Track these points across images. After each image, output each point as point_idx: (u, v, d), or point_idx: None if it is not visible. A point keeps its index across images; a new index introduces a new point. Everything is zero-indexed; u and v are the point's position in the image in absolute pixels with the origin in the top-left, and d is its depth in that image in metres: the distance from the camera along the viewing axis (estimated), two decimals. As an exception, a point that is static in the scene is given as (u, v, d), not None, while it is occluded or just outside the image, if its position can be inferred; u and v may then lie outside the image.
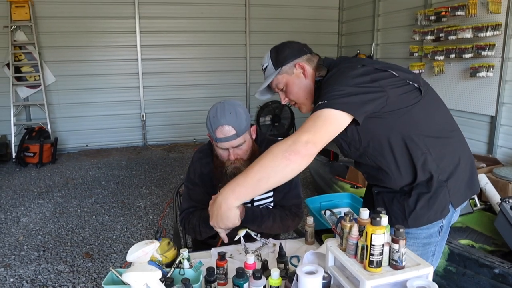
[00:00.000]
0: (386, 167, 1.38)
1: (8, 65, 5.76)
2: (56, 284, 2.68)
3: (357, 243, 1.01)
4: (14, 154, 5.64)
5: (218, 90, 6.86)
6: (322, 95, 1.24)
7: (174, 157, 6.02)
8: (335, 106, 1.18)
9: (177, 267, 1.20)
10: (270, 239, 1.57)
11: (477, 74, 4.20)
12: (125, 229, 3.53)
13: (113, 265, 2.92)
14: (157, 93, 6.61)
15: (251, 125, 1.72)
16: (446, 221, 1.42)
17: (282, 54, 1.46)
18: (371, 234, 0.95)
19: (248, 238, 1.52)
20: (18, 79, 5.91)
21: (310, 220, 1.53)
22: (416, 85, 1.32)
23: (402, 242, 0.96)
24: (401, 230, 0.97)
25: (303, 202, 1.79)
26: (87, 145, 6.44)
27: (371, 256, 0.96)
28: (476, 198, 3.11)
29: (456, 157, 1.39)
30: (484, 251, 2.78)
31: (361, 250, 1.00)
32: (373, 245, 0.95)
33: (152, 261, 1.17)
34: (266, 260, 1.29)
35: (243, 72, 6.96)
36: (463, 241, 2.77)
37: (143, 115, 6.60)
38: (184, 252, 1.22)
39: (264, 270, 1.27)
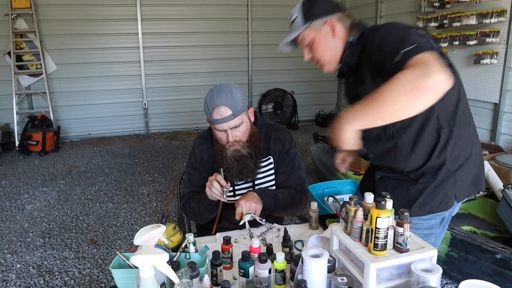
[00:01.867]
0: (402, 145, 1.35)
1: (9, 53, 5.74)
2: (62, 270, 2.72)
3: (362, 226, 1.02)
4: (17, 143, 5.65)
5: (220, 78, 6.83)
6: (394, 46, 1.16)
7: (176, 145, 6.04)
8: (429, 49, 1.12)
9: (183, 251, 1.21)
10: (275, 224, 1.59)
11: (481, 61, 4.17)
12: (129, 216, 3.56)
13: (118, 251, 2.95)
14: (159, 81, 6.60)
15: (249, 107, 1.72)
16: (448, 213, 1.42)
17: (314, 8, 1.38)
18: (376, 218, 0.96)
19: (252, 224, 1.53)
20: (20, 67, 5.90)
21: (314, 205, 1.54)
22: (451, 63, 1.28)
23: (406, 226, 0.97)
24: (405, 213, 0.97)
25: (307, 181, 1.81)
26: (89, 134, 6.45)
27: (376, 239, 0.97)
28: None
29: (469, 148, 1.39)
30: (486, 237, 2.80)
31: (366, 233, 1.01)
32: (378, 229, 0.96)
33: (159, 245, 1.19)
34: (271, 245, 1.30)
35: (245, 60, 6.93)
36: (465, 227, 2.79)
37: (145, 103, 6.59)
38: (190, 237, 1.23)
39: (269, 254, 1.28)
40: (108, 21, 6.15)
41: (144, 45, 6.36)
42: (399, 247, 0.99)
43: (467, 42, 4.22)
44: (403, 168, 1.40)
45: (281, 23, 6.93)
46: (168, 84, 6.67)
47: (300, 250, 1.36)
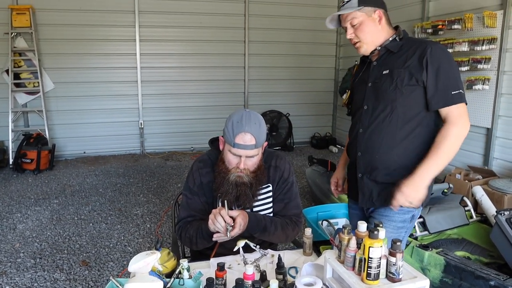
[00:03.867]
0: (393, 137, 1.67)
1: (7, 71, 5.78)
2: (53, 292, 2.68)
3: (355, 255, 1.03)
4: (11, 160, 5.63)
5: (217, 99, 6.90)
6: (449, 79, 1.58)
7: (171, 165, 6.03)
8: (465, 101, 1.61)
9: (177, 277, 1.21)
10: (268, 250, 1.59)
11: (473, 87, 4.25)
12: (122, 237, 3.53)
13: (111, 274, 2.92)
14: (155, 101, 6.64)
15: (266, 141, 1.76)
16: (417, 212, 1.75)
17: None
18: (369, 247, 0.97)
19: (246, 249, 1.53)
20: (17, 85, 5.92)
21: (308, 231, 1.54)
22: None
23: (399, 255, 0.98)
24: (398, 243, 0.98)
25: (302, 212, 1.81)
26: (84, 152, 6.44)
27: (368, 269, 0.97)
28: (472, 210, 3.14)
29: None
30: (480, 263, 2.80)
31: (359, 262, 1.02)
32: (371, 258, 0.97)
33: (153, 271, 1.18)
34: (265, 271, 1.30)
35: (241, 82, 7.00)
36: (459, 253, 2.79)
37: (141, 123, 6.61)
38: (184, 263, 1.23)
39: (262, 281, 1.28)
40: (106, 41, 6.22)
41: (141, 65, 6.43)
42: (391, 277, 1.00)
43: (460, 68, 4.31)
44: (385, 160, 1.69)
45: (278, 45, 7.09)
46: (164, 104, 6.71)
47: (294, 277, 1.36)
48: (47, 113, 6.03)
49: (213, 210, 1.53)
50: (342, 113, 7.22)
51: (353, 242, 1.04)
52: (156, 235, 3.58)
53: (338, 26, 1.78)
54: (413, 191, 1.52)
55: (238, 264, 1.49)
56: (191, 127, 6.88)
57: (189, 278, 1.22)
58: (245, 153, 1.61)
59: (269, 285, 1.18)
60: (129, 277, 1.13)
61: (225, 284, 1.26)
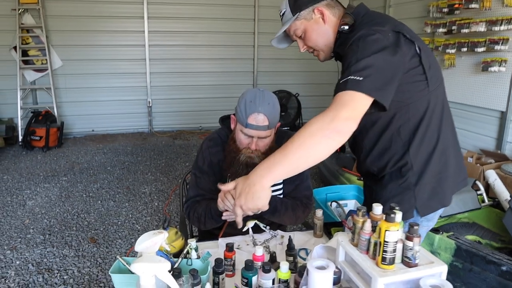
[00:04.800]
0: (366, 142, 1.43)
1: (15, 48, 5.74)
2: (62, 268, 2.70)
3: (369, 239, 1.00)
4: (20, 138, 5.65)
5: (225, 78, 6.82)
6: (349, 65, 1.20)
7: (179, 144, 6.02)
8: (367, 92, 1.15)
9: (185, 257, 1.19)
10: (278, 230, 1.56)
11: (489, 69, 4.12)
12: (130, 215, 3.54)
13: (118, 251, 2.93)
14: (163, 79, 6.59)
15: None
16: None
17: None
18: (385, 231, 0.93)
19: (255, 230, 1.50)
20: (25, 62, 5.89)
21: (319, 213, 1.51)
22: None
23: (416, 240, 0.94)
24: (415, 227, 0.94)
25: (312, 194, 1.78)
26: (93, 130, 6.44)
27: (384, 253, 0.94)
28: (484, 194, 3.08)
29: (435, 164, 1.40)
30: (491, 248, 2.76)
31: (374, 246, 0.98)
32: (387, 242, 0.93)
33: (160, 251, 1.16)
34: (275, 252, 1.28)
35: (250, 61, 6.91)
36: (470, 237, 2.75)
37: (149, 101, 6.58)
38: (192, 242, 1.21)
39: (272, 262, 1.25)
40: (114, 19, 6.14)
41: (150, 43, 6.35)
42: (407, 261, 0.96)
43: (476, 49, 4.18)
44: (366, 167, 1.46)
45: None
46: (172, 82, 6.65)
47: (304, 259, 1.34)
48: (56, 91, 6.01)
49: (223, 189, 1.48)
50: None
51: (368, 225, 1.00)
52: (164, 214, 3.59)
53: (290, 43, 1.56)
54: (244, 186, 1.18)
55: (247, 244, 1.47)
56: (200, 106, 6.84)
57: (197, 258, 1.20)
58: (258, 133, 1.57)
59: (279, 267, 1.15)
60: (136, 256, 1.11)
61: (233, 265, 1.24)
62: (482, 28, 4.13)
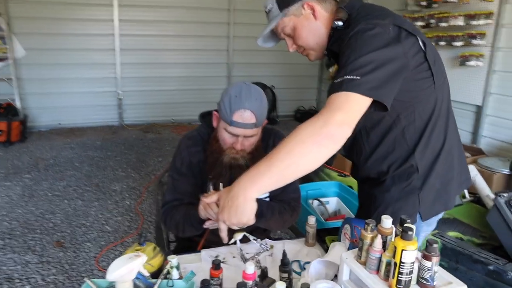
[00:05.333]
0: (366, 145, 1.32)
1: (-28, 35, 5.33)
2: (23, 277, 2.48)
3: (380, 257, 0.87)
4: (-21, 132, 5.27)
5: (199, 69, 6.61)
6: (345, 64, 1.07)
7: (151, 138, 5.79)
8: (364, 92, 1.03)
9: (165, 277, 1.03)
10: (266, 240, 1.42)
11: (467, 63, 4.12)
12: (100, 215, 3.33)
13: (87, 255, 2.73)
14: (134, 70, 6.30)
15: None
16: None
17: None
18: (402, 250, 0.81)
19: (242, 238, 1.36)
20: (-16, 51, 5.48)
21: (312, 220, 1.38)
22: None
23: (435, 259, 0.83)
24: (434, 245, 0.83)
25: (300, 197, 1.65)
26: (59, 123, 6.10)
27: (399, 275, 0.82)
28: (465, 190, 3.06)
29: (441, 168, 1.31)
30: (473, 244, 2.73)
31: (386, 266, 0.86)
32: (403, 263, 0.81)
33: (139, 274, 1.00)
34: (266, 268, 1.14)
35: (225, 52, 6.71)
36: (452, 233, 2.72)
37: (119, 93, 6.29)
38: (173, 260, 1.05)
39: (263, 278, 1.12)
40: (82, 6, 5.78)
41: (120, 32, 6.04)
42: (424, 284, 0.85)
43: (453, 43, 4.17)
44: (364, 171, 1.36)
45: (264, 14, 6.71)
46: (144, 74, 6.38)
47: (297, 273, 1.21)
48: (18, 82, 5.63)
49: (205, 201, 1.33)
50: (327, 87, 7.03)
51: (378, 242, 0.88)
52: (136, 212, 3.39)
53: (277, 41, 1.43)
54: (227, 199, 1.07)
55: (234, 257, 1.32)
56: (172, 98, 6.61)
57: (179, 279, 1.05)
58: (243, 132, 1.42)
59: (271, 283, 1.02)
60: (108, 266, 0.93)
61: (221, 284, 1.10)
62: (460, 22, 4.11)
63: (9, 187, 3.82)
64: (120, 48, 6.10)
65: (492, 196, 2.84)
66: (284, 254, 1.11)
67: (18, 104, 5.55)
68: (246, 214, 1.05)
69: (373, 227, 0.92)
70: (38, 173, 4.22)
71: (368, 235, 0.91)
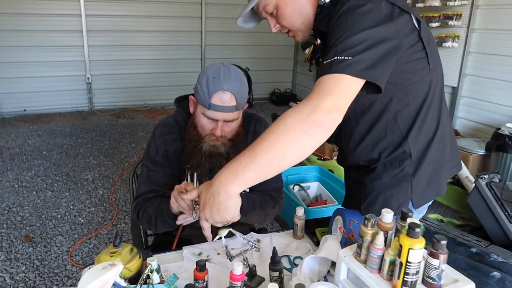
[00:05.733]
0: (355, 132, 1.24)
1: None
2: (-10, 275, 2.33)
3: (382, 255, 0.81)
4: None
5: (171, 52, 6.40)
6: (335, 43, 0.98)
7: (123, 123, 5.58)
8: (356, 74, 0.94)
9: (145, 282, 0.94)
10: (252, 233, 1.34)
11: (443, 44, 4.12)
12: (71, 206, 3.17)
13: (59, 249, 2.59)
14: (103, 53, 6.02)
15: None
16: None
17: None
18: (408, 249, 0.74)
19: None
20: None
21: (300, 211, 1.30)
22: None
23: (442, 257, 0.77)
24: (442, 242, 0.76)
25: (282, 187, 1.56)
26: (25, 110, 5.79)
27: (405, 276, 0.75)
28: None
29: (433, 152, 1.25)
30: (453, 226, 2.75)
31: (389, 265, 0.79)
32: (410, 263, 0.74)
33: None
34: (254, 266, 1.06)
35: (198, 33, 6.51)
36: (432, 215, 2.73)
37: (88, 77, 6.01)
38: (153, 263, 0.95)
39: (252, 278, 1.04)
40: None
41: (86, 12, 5.73)
42: (430, 283, 0.79)
43: (430, 24, 4.14)
44: (353, 158, 1.29)
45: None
46: (114, 57, 6.11)
47: (288, 269, 1.14)
48: (-22, 66, 5.30)
49: (176, 186, 1.23)
50: (303, 69, 6.98)
51: (381, 239, 0.81)
52: (110, 202, 3.25)
53: (258, 22, 1.33)
54: (208, 196, 0.98)
55: (218, 254, 1.23)
56: (144, 82, 6.39)
57: (160, 283, 0.95)
58: (223, 116, 1.32)
59: (260, 282, 0.95)
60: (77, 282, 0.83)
61: (206, 286, 1.01)
62: (436, 2, 4.09)
63: (-29, 179, 3.60)
64: (87, 30, 5.80)
65: (472, 178, 2.86)
66: (275, 252, 1.03)
67: (-22, 89, 5.23)
68: (230, 211, 0.97)
69: (373, 223, 0.84)
70: (2, 163, 3.99)
71: (369, 232, 0.83)
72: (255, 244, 1.24)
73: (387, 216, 0.83)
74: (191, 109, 1.45)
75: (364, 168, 1.27)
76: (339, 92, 0.93)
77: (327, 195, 2.74)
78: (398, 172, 1.20)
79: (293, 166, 2.41)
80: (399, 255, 0.76)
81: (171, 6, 6.15)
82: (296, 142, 0.90)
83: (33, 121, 5.50)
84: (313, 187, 2.89)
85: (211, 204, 0.97)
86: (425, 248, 0.79)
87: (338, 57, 0.95)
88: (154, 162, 1.46)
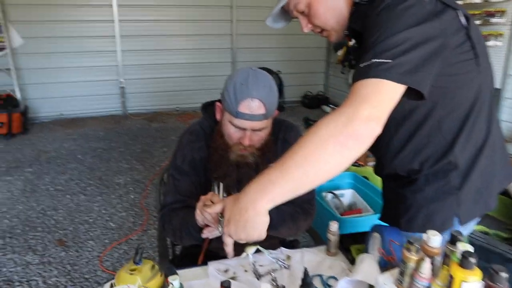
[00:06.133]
0: (395, 140, 1.13)
1: (-32, 24, 5.16)
2: (24, 279, 2.35)
3: (429, 286, 0.71)
4: (-20, 124, 5.14)
5: (202, 55, 6.42)
6: (373, 44, 0.89)
7: (156, 127, 5.63)
8: (397, 79, 0.85)
9: (167, 304, 0.89)
10: (281, 248, 1.26)
11: (486, 43, 3.89)
12: (103, 211, 3.19)
13: (90, 254, 2.60)
14: (136, 57, 6.12)
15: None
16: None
17: None
18: (461, 282, 0.65)
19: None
20: (-20, 40, 5.32)
21: (334, 226, 1.21)
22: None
23: (502, 292, 0.67)
24: (501, 273, 0.66)
25: (315, 198, 1.48)
26: (61, 114, 5.96)
27: (457, 313, 0.66)
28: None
29: (484, 163, 1.13)
30: (499, 238, 2.57)
31: (438, 298, 0.70)
32: (463, 298, 0.65)
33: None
34: (284, 287, 0.98)
35: (228, 36, 6.50)
36: (477, 227, 2.56)
37: (121, 81, 6.12)
38: (175, 282, 0.90)
39: (281, 300, 0.96)
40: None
41: (120, 18, 5.84)
42: (485, 320, 0.69)
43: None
44: (391, 168, 1.18)
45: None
46: (146, 61, 6.19)
47: (320, 291, 1.05)
48: (17, 72, 5.48)
49: (202, 197, 1.17)
50: (336, 71, 6.83)
51: (427, 267, 0.71)
52: (141, 207, 3.26)
53: (289, 21, 1.24)
54: (234, 212, 0.92)
55: (246, 271, 1.16)
56: (176, 86, 6.44)
57: (183, 304, 0.90)
58: (251, 125, 1.25)
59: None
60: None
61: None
62: (478, -1, 3.88)
63: (10, 182, 3.70)
64: (121, 35, 5.91)
65: (520, 186, 2.66)
66: (306, 273, 0.95)
67: (18, 95, 5.41)
68: (257, 229, 0.90)
69: (418, 248, 0.75)
70: (40, 166, 4.10)
71: (413, 258, 0.74)
72: (284, 263, 1.16)
73: (434, 239, 0.74)
74: (218, 116, 1.39)
75: (403, 179, 1.17)
76: (378, 100, 0.85)
77: (362, 204, 2.63)
78: (443, 185, 1.09)
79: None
80: (449, 287, 0.67)
81: (201, 10, 6.17)
82: (330, 155, 0.82)
83: (68, 125, 5.64)
84: (347, 195, 2.79)
85: (237, 220, 0.91)
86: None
87: (377, 60, 0.87)
88: (181, 171, 1.41)
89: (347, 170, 3.19)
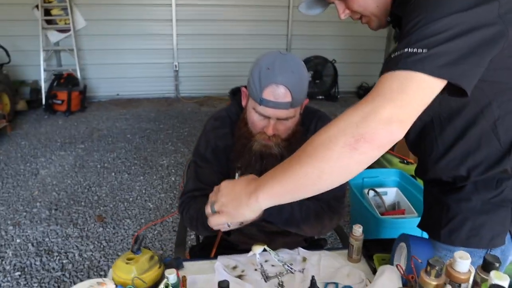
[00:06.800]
0: (440, 141, 0.98)
1: (37, 6, 5.45)
2: (62, 250, 2.45)
3: (447, 319, 0.59)
4: (44, 101, 5.46)
5: (257, 41, 6.33)
6: (410, 32, 0.75)
7: (205, 111, 5.67)
8: (432, 71, 0.70)
9: (158, 299, 0.82)
10: (300, 249, 1.16)
11: None
12: (144, 191, 3.25)
13: (126, 232, 2.66)
14: (191, 41, 6.17)
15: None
16: (499, 252, 0.96)
17: None
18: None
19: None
20: (48, 22, 5.61)
21: (358, 230, 1.08)
22: None
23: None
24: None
25: (345, 194, 1.35)
26: (118, 94, 6.19)
27: None
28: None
29: None
30: None
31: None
32: None
33: (121, 286, 0.80)
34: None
35: (284, 22, 6.35)
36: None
37: (176, 65, 6.21)
38: (171, 276, 0.83)
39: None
40: (139, -25, 5.71)
41: (177, 2, 5.90)
42: None
43: None
44: (435, 172, 1.02)
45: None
46: (200, 45, 6.23)
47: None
48: (79, 52, 5.73)
49: (215, 187, 1.10)
50: (395, 62, 6.46)
51: (447, 296, 0.59)
52: (180, 190, 3.28)
53: (325, 7, 1.08)
54: (229, 192, 0.89)
55: (255, 269, 1.08)
56: (229, 71, 6.41)
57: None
58: (276, 113, 1.15)
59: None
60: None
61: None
62: None
63: (63, 157, 3.89)
64: (177, 19, 5.97)
65: None
66: (313, 281, 0.84)
67: (78, 74, 5.66)
68: (242, 217, 0.87)
69: (439, 271, 0.62)
70: (91, 143, 4.27)
71: (432, 283, 0.61)
72: (290, 267, 1.06)
73: (462, 263, 0.60)
74: (243, 102, 1.31)
75: (448, 185, 1.01)
76: (404, 98, 0.70)
77: (406, 204, 2.44)
78: (494, 196, 0.93)
79: (370, 167, 2.10)
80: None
81: (258, -5, 6.08)
82: (337, 157, 0.70)
83: (124, 105, 5.84)
84: (391, 193, 2.60)
85: (227, 201, 0.88)
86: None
87: (409, 49, 0.72)
88: (203, 158, 1.35)
89: (394, 167, 2.99)
